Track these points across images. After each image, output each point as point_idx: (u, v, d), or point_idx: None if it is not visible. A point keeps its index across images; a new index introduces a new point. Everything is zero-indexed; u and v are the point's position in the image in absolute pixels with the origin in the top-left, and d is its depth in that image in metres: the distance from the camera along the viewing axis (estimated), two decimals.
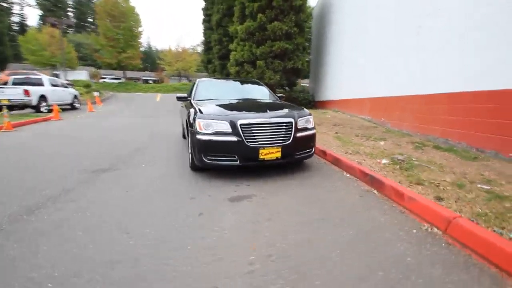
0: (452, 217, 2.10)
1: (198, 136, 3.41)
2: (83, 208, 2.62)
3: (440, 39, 4.94)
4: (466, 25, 4.38)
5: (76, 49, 33.37)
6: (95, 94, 16.56)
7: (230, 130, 3.35)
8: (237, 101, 4.50)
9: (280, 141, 3.45)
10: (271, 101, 4.75)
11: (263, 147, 3.36)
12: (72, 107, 13.43)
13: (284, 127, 3.50)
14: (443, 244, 1.98)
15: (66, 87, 13.56)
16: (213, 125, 3.40)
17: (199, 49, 44.12)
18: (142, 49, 37.27)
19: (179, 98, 4.88)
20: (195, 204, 2.75)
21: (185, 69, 38.58)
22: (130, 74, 37.42)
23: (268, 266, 1.76)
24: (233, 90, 5.07)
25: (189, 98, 4.71)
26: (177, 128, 8.25)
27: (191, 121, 3.62)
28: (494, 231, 1.94)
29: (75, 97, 13.71)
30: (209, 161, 3.41)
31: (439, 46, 4.97)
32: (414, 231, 2.18)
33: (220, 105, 4.01)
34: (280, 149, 3.43)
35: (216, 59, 15.73)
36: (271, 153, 3.40)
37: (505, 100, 3.62)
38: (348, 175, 3.69)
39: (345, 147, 4.83)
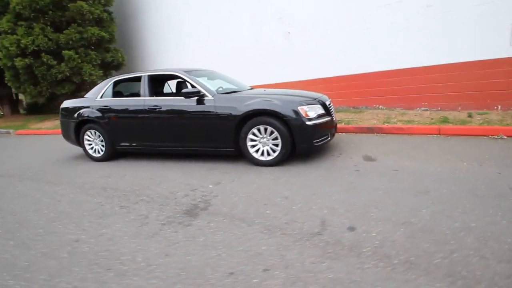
0: (438, 126, 4.61)
1: (308, 123, 3.49)
2: None
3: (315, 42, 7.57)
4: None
5: None
6: None
7: (324, 111, 3.76)
8: (252, 89, 4.43)
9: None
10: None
11: (335, 122, 4.14)
12: None
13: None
14: (448, 137, 4.43)
15: None
16: (310, 110, 3.60)
17: None
18: None
19: (187, 94, 3.73)
20: (373, 174, 3.24)
21: None
22: None
23: None
24: (225, 81, 4.62)
25: (202, 93, 3.82)
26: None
27: (290, 111, 3.46)
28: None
29: None
30: (316, 144, 3.62)
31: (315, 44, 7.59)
32: (435, 137, 4.47)
33: (271, 93, 3.97)
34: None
35: None
36: (336, 127, 4.26)
37: (365, 78, 6.91)
38: (344, 134, 5.33)
39: None
